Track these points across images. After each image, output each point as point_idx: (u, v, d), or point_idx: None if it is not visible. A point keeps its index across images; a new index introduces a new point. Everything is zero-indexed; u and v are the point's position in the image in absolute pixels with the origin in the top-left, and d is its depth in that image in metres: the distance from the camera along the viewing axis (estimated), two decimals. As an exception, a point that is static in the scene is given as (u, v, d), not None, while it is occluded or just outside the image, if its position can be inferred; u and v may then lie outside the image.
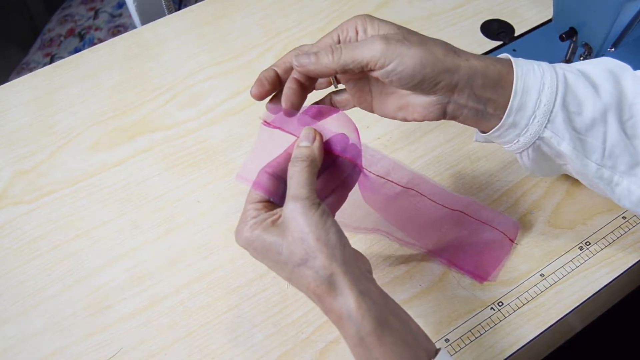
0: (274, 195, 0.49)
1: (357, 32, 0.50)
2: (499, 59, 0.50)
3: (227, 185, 0.71)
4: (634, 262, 0.62)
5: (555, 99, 0.48)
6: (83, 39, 1.38)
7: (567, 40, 0.68)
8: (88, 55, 0.86)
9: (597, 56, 0.67)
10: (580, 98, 0.49)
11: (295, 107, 0.51)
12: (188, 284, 0.63)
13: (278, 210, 0.48)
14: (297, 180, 0.47)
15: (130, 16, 1.35)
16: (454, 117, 0.51)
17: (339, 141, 0.52)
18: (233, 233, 0.66)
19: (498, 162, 0.71)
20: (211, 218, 0.68)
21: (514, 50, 0.82)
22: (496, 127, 0.50)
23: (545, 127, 0.49)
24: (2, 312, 0.62)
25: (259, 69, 0.82)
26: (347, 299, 0.44)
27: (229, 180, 0.71)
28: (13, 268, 0.65)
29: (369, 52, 0.47)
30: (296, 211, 0.46)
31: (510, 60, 0.50)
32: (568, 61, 0.71)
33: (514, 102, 0.49)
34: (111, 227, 0.68)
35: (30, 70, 1.28)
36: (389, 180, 0.57)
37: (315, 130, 0.50)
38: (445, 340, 0.58)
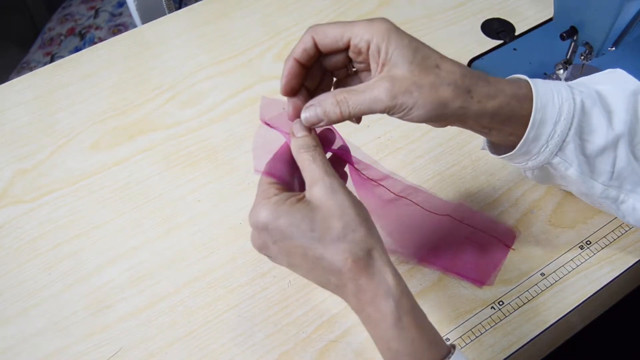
0: (289, 180, 0.49)
1: (368, 47, 0.47)
2: (520, 88, 0.49)
3: (228, 185, 0.71)
4: (634, 262, 0.62)
5: (570, 129, 0.49)
6: (83, 38, 1.38)
7: (567, 39, 0.68)
8: (88, 54, 0.86)
9: (597, 55, 0.67)
10: (594, 127, 0.49)
11: (295, 91, 0.50)
12: (188, 283, 0.63)
13: (297, 193, 0.47)
14: (317, 165, 0.46)
15: (130, 15, 1.35)
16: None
17: (326, 136, 0.52)
18: (233, 232, 0.66)
19: (499, 161, 0.71)
20: (211, 217, 0.68)
21: (515, 49, 0.82)
22: (507, 155, 0.51)
23: (555, 154, 0.50)
24: (2, 311, 0.62)
25: (260, 68, 0.82)
26: (386, 276, 0.44)
27: (230, 179, 0.71)
28: (13, 267, 0.65)
29: (375, 104, 0.46)
30: (333, 188, 0.45)
31: (527, 90, 0.49)
32: (568, 61, 0.71)
33: (529, 134, 0.49)
34: (111, 226, 0.68)
35: (31, 70, 1.28)
36: (380, 184, 0.57)
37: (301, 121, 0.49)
38: (445, 339, 0.58)
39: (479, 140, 0.72)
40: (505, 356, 0.57)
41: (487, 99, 0.47)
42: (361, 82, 0.51)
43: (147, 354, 0.59)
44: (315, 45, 0.48)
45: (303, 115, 0.48)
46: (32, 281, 0.64)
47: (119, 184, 0.71)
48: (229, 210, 0.68)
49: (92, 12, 1.44)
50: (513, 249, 0.63)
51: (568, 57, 0.71)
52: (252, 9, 0.90)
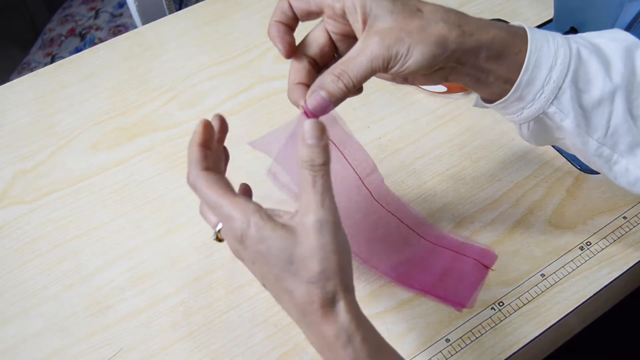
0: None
1: (343, 10, 0.46)
2: (511, 27, 0.48)
3: (228, 185, 0.71)
4: (634, 262, 0.62)
5: (566, 75, 0.47)
6: (84, 39, 1.38)
7: (567, 40, 0.68)
8: (89, 55, 0.86)
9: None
10: (591, 76, 0.48)
11: (294, 51, 0.49)
12: (188, 283, 0.63)
13: (282, 212, 0.46)
14: (315, 191, 0.43)
15: (131, 16, 1.35)
16: (454, 81, 0.49)
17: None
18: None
19: (499, 162, 0.71)
20: (212, 218, 0.68)
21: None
22: (501, 100, 0.49)
23: (551, 103, 0.48)
24: (2, 312, 0.62)
25: (260, 69, 0.82)
26: (350, 324, 0.43)
27: (230, 179, 0.71)
28: (13, 268, 0.65)
29: (373, 61, 0.45)
30: (324, 226, 0.42)
31: (519, 30, 0.48)
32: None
33: (523, 76, 0.47)
34: (112, 227, 0.68)
35: (31, 70, 1.28)
36: (364, 183, 0.55)
37: (321, 123, 0.44)
38: (445, 340, 0.58)
39: (480, 141, 0.72)
40: (506, 357, 0.57)
41: (479, 32, 0.46)
42: None
43: (148, 355, 0.59)
44: (292, 8, 0.48)
45: (310, 104, 0.46)
46: (32, 282, 0.64)
47: (119, 185, 0.71)
48: (229, 211, 0.68)
49: (93, 12, 1.44)
50: (492, 269, 0.62)
51: (568, 58, 0.71)
52: (252, 10, 0.90)
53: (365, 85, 0.80)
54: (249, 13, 0.90)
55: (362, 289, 0.62)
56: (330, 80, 0.45)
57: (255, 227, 0.43)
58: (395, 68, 0.45)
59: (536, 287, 0.61)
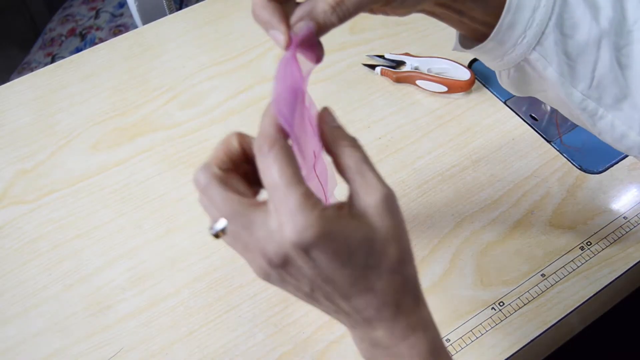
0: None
1: None
2: None
3: (228, 185, 0.71)
4: (635, 262, 0.62)
5: (550, 18, 0.43)
6: (84, 39, 1.38)
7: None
8: (89, 55, 0.86)
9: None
10: (577, 19, 0.44)
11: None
12: (189, 283, 0.63)
13: (341, 203, 0.38)
14: (372, 170, 0.37)
15: (131, 16, 1.35)
16: (434, 13, 0.47)
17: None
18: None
19: (499, 162, 0.71)
20: (212, 218, 0.68)
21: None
22: (480, 45, 0.45)
23: (533, 48, 0.44)
24: (2, 312, 0.62)
25: (260, 69, 0.82)
26: (426, 308, 0.40)
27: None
28: (13, 268, 0.65)
29: None
30: (393, 203, 0.36)
31: None
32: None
33: (504, 19, 0.43)
34: (112, 227, 0.68)
35: (32, 70, 1.28)
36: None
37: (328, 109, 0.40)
38: (446, 340, 0.58)
39: (480, 141, 0.72)
40: (506, 357, 0.57)
41: None
42: None
43: (148, 355, 0.59)
44: None
45: (294, 30, 0.40)
46: (32, 281, 0.64)
47: (120, 185, 0.71)
48: (230, 211, 0.68)
49: (93, 12, 1.44)
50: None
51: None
52: (252, 10, 0.90)
53: (365, 85, 0.81)
54: (249, 13, 0.89)
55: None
56: (322, 9, 0.39)
57: (325, 219, 0.34)
58: (395, 4, 0.42)
59: (536, 287, 0.61)
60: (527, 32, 0.44)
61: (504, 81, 0.51)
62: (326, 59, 0.87)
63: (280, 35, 0.40)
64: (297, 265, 0.35)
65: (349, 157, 0.37)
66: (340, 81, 0.80)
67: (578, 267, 0.62)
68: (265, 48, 0.85)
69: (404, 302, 0.38)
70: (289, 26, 0.40)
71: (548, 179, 0.69)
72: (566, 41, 0.45)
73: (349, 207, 0.36)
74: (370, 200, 0.36)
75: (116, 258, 0.65)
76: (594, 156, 0.70)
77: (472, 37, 0.48)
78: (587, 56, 0.45)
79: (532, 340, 0.58)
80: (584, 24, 0.44)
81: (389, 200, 0.36)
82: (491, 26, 0.44)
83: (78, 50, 1.20)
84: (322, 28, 0.40)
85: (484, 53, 0.47)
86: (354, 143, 0.38)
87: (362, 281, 0.36)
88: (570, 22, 0.44)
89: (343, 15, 0.39)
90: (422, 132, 0.74)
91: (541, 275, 0.62)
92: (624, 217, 0.66)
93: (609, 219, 0.66)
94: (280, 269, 0.36)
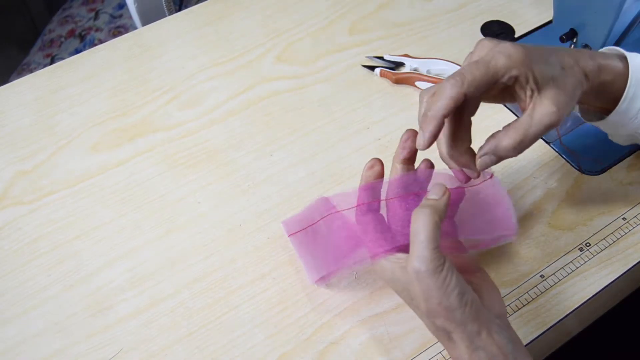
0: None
1: (516, 80, 0.50)
2: (614, 59, 0.56)
3: (228, 186, 0.71)
4: (634, 264, 0.62)
5: None
6: (83, 40, 1.38)
7: (567, 42, 0.68)
8: (88, 56, 0.86)
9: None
10: None
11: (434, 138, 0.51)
12: (189, 284, 0.63)
13: (403, 256, 0.51)
14: (423, 237, 0.47)
15: (130, 17, 1.36)
16: None
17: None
18: (234, 233, 0.66)
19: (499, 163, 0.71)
20: (212, 218, 0.68)
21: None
22: (597, 122, 0.59)
23: None
24: (2, 312, 0.62)
25: (260, 70, 0.82)
26: (462, 353, 0.47)
27: (230, 180, 0.71)
28: (13, 268, 0.65)
29: (547, 129, 0.50)
30: (419, 275, 0.47)
31: (622, 65, 0.55)
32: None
33: (621, 106, 0.56)
34: (112, 227, 0.68)
35: (31, 71, 1.29)
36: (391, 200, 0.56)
37: (445, 186, 0.50)
38: (445, 341, 0.58)
39: (480, 141, 0.72)
40: (505, 358, 0.57)
41: (595, 77, 0.53)
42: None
43: (147, 355, 0.59)
44: (464, 95, 0.49)
45: (479, 164, 0.52)
46: (32, 282, 0.64)
47: (119, 185, 0.71)
48: (229, 212, 0.68)
49: (92, 14, 1.44)
50: (492, 174, 0.57)
51: (568, 59, 0.71)
52: (252, 11, 0.90)
53: (364, 86, 0.81)
54: (249, 13, 0.90)
55: (362, 290, 0.62)
56: (506, 148, 0.51)
57: (392, 270, 0.51)
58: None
59: (535, 288, 0.61)
60: (639, 115, 0.56)
61: (613, 139, 0.63)
62: (325, 60, 0.88)
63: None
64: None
65: (417, 221, 0.47)
66: (339, 82, 0.80)
67: (577, 268, 0.62)
68: (265, 49, 0.85)
69: (440, 339, 0.49)
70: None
71: (547, 180, 0.69)
72: None
73: (404, 262, 0.50)
74: (407, 266, 0.48)
75: (116, 258, 0.65)
76: (593, 157, 0.70)
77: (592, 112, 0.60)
78: None
79: (531, 342, 0.58)
80: None
81: (417, 273, 0.47)
82: (609, 110, 0.57)
83: (77, 51, 1.20)
84: (504, 157, 0.52)
85: (599, 126, 0.61)
86: (430, 210, 0.48)
87: (417, 312, 0.51)
88: None
89: (523, 148, 0.51)
90: (422, 133, 0.74)
91: (540, 276, 0.62)
92: (623, 218, 0.66)
93: (608, 220, 0.66)
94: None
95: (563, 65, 0.51)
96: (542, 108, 0.49)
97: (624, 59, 0.56)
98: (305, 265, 0.60)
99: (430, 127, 0.49)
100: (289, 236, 0.61)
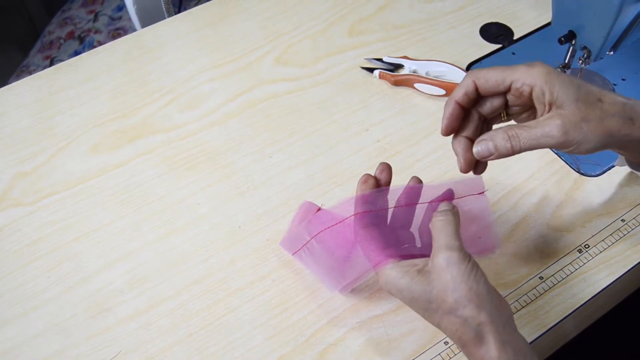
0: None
1: (530, 91, 0.51)
2: None
3: (227, 188, 0.71)
4: (632, 265, 0.63)
5: None
6: (83, 42, 1.38)
7: (566, 44, 0.68)
8: (88, 57, 0.86)
9: (595, 59, 0.67)
10: None
11: (454, 132, 0.54)
12: (188, 286, 0.63)
13: (418, 260, 0.51)
14: (448, 232, 0.49)
15: (130, 19, 1.36)
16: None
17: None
18: (233, 235, 0.66)
19: (497, 164, 0.71)
20: (211, 220, 0.68)
21: (513, 53, 0.82)
22: None
23: None
24: (2, 313, 0.62)
25: (259, 72, 0.82)
26: (490, 348, 0.47)
27: (229, 182, 0.71)
28: (13, 270, 0.65)
29: (546, 140, 0.49)
30: (450, 261, 0.48)
31: None
32: (567, 65, 0.71)
33: None
34: (111, 229, 0.68)
35: (30, 73, 1.28)
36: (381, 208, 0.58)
37: (451, 202, 0.53)
38: (444, 342, 0.58)
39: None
40: (504, 359, 0.57)
41: None
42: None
43: (147, 357, 0.59)
44: (476, 89, 0.52)
45: (475, 149, 0.52)
46: (32, 283, 0.64)
47: (119, 187, 0.71)
48: (229, 213, 0.68)
49: (92, 15, 1.44)
50: (486, 189, 0.59)
51: (566, 61, 0.71)
52: (251, 13, 0.90)
53: (363, 88, 0.81)
54: (248, 16, 0.90)
55: (361, 292, 0.62)
56: (501, 137, 0.50)
57: (397, 278, 0.51)
58: (567, 150, 0.50)
59: (534, 289, 0.61)
60: None
61: None
62: (325, 62, 0.88)
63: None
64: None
65: (434, 223, 0.51)
66: (338, 84, 0.80)
67: (576, 269, 0.63)
68: (265, 51, 0.85)
69: (465, 337, 0.48)
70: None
71: (546, 182, 0.69)
72: None
73: (423, 265, 0.51)
74: (434, 260, 0.49)
75: (115, 260, 0.65)
76: (591, 159, 0.70)
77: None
78: None
79: (530, 343, 0.58)
80: None
81: (448, 261, 0.48)
82: None
83: (77, 53, 1.20)
84: (499, 151, 0.51)
85: None
86: (442, 213, 0.51)
87: (432, 319, 0.50)
88: None
89: (515, 146, 0.50)
90: (421, 135, 0.74)
91: (539, 278, 0.62)
92: (621, 220, 0.66)
93: (606, 222, 0.66)
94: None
95: (601, 97, 0.50)
96: (547, 127, 0.49)
97: None
98: (321, 279, 0.60)
99: (445, 109, 0.53)
100: (292, 255, 0.61)
